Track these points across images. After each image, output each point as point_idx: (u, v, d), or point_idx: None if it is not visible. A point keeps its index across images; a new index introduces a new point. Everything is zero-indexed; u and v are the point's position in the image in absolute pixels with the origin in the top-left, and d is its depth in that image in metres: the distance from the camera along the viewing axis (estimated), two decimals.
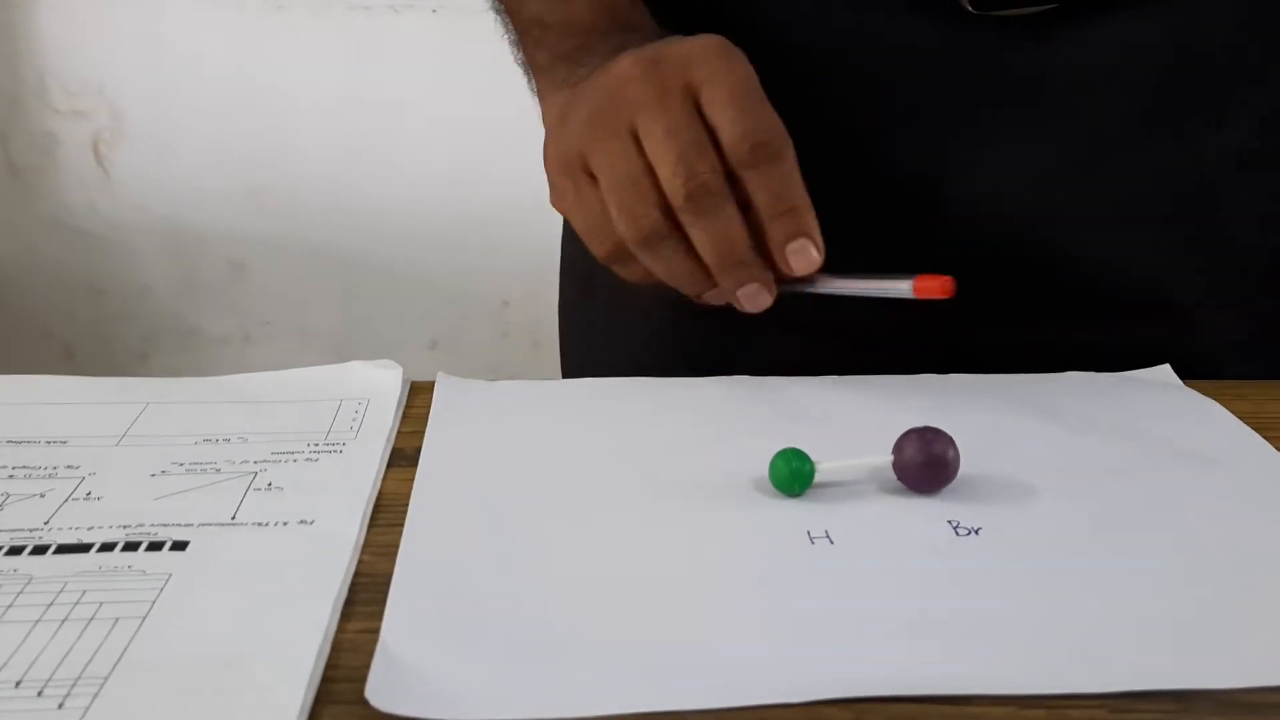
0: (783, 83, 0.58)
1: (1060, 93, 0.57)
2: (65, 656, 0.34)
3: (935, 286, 0.47)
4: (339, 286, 1.90)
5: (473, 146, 1.77)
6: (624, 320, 0.59)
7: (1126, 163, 0.59)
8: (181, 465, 0.46)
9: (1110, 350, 0.59)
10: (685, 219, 0.48)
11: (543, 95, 0.57)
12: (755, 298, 0.49)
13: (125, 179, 1.86)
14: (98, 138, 1.84)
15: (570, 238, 0.73)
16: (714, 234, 0.48)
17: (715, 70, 0.48)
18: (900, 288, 0.48)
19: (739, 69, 0.48)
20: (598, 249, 0.52)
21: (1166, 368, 0.56)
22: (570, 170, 0.51)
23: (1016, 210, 0.59)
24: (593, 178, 0.50)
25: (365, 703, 0.32)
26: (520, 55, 0.60)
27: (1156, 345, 0.59)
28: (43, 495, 0.44)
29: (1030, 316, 0.61)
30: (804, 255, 0.48)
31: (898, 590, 0.38)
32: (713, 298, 0.51)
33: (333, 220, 1.85)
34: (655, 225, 0.48)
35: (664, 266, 0.50)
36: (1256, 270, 0.61)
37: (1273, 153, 0.61)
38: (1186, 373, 0.56)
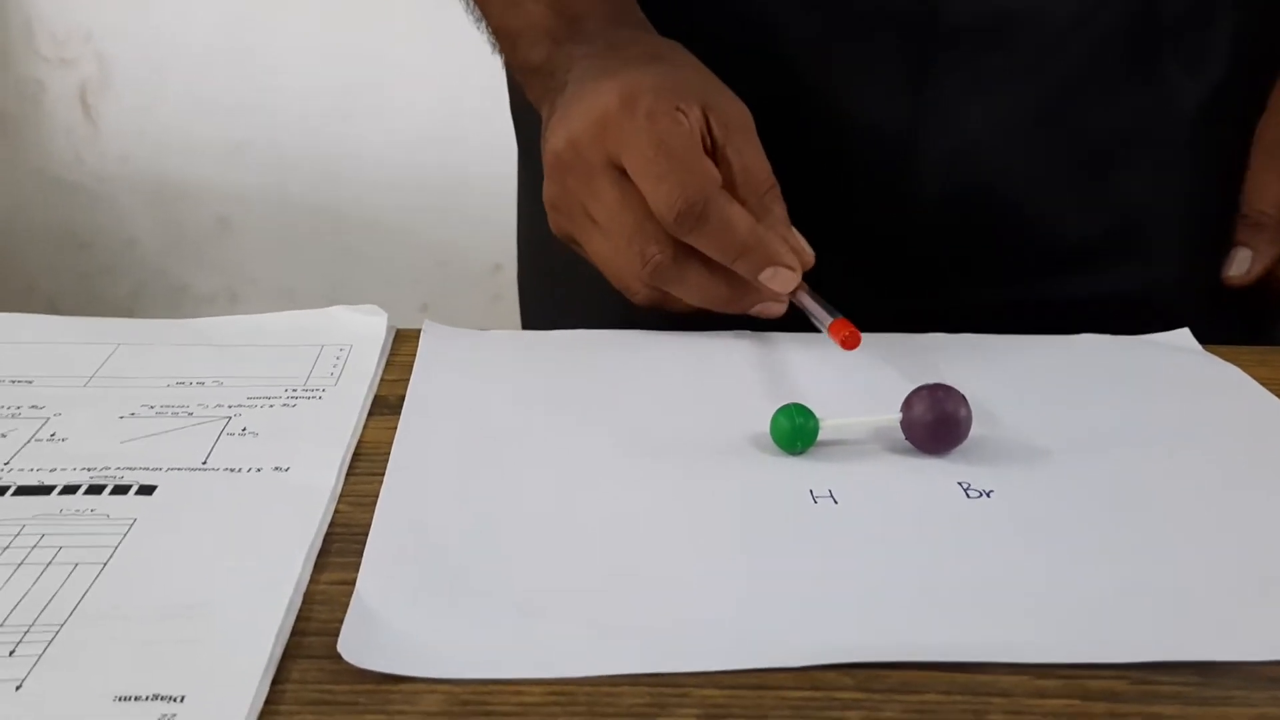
0: (743, 43, 0.56)
1: (1030, 39, 0.57)
2: (19, 602, 0.32)
3: (843, 335, 0.46)
4: (328, 246, 1.87)
5: (465, 105, 1.73)
6: (593, 301, 0.57)
7: (1100, 108, 0.58)
8: (152, 408, 0.44)
9: (1082, 302, 0.59)
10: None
11: (536, 104, 0.56)
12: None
13: (112, 130, 1.82)
14: (85, 87, 1.80)
15: (526, 215, 0.72)
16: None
17: (624, 138, 0.47)
18: (825, 320, 0.47)
19: (648, 129, 0.46)
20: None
21: (1185, 332, 0.53)
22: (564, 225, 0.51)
23: (991, 161, 0.58)
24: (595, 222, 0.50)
25: (337, 657, 0.31)
26: (504, 64, 0.60)
27: (1126, 296, 0.59)
28: (4, 435, 0.41)
29: (1004, 270, 0.61)
30: (779, 280, 0.47)
31: (905, 553, 0.36)
32: (753, 306, 0.50)
33: (321, 178, 1.82)
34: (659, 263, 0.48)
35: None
36: (1221, 220, 0.60)
37: (1241, 98, 0.60)
38: (1156, 326, 0.54)
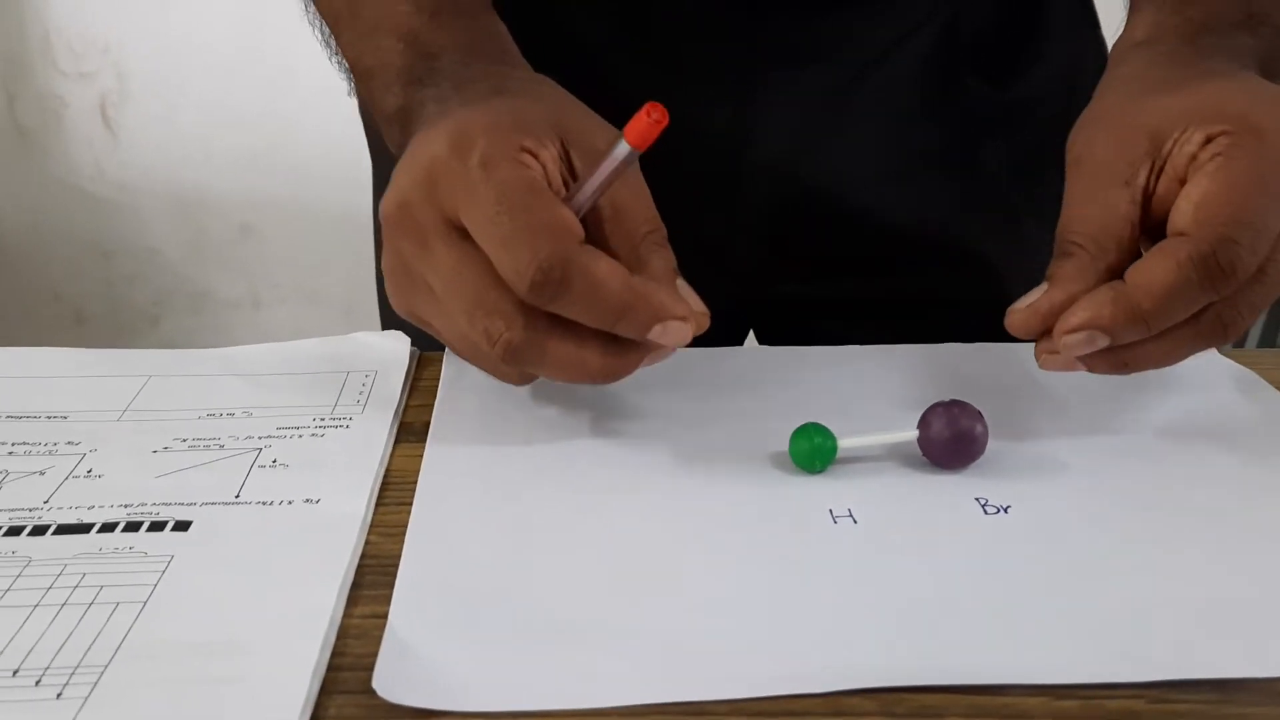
0: (577, 52, 0.56)
1: (848, 58, 0.60)
2: (64, 643, 0.33)
3: (644, 125, 0.38)
4: (348, 249, 1.88)
5: None
6: None
7: (910, 121, 0.61)
8: (184, 441, 0.45)
9: (916, 300, 0.62)
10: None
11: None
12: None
13: (132, 141, 1.84)
14: (104, 100, 1.82)
15: None
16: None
17: (458, 191, 0.39)
18: (621, 154, 0.39)
19: (483, 179, 0.39)
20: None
21: None
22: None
23: (814, 167, 0.61)
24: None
25: (372, 692, 0.31)
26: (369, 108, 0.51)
27: (956, 294, 0.61)
28: (42, 473, 0.42)
29: (835, 268, 0.64)
30: (670, 334, 0.40)
31: (924, 572, 0.37)
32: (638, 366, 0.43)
33: (340, 182, 1.83)
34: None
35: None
36: (1028, 226, 0.62)
37: (1040, 112, 0.62)
38: (987, 325, 0.49)
